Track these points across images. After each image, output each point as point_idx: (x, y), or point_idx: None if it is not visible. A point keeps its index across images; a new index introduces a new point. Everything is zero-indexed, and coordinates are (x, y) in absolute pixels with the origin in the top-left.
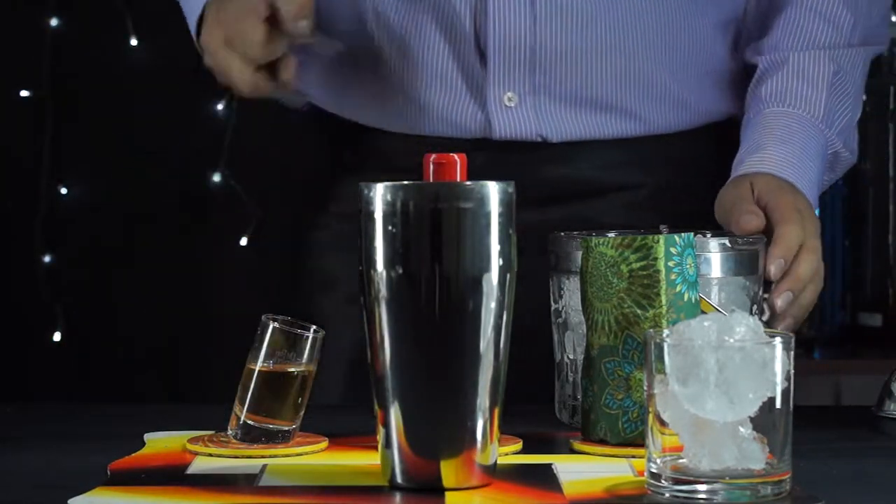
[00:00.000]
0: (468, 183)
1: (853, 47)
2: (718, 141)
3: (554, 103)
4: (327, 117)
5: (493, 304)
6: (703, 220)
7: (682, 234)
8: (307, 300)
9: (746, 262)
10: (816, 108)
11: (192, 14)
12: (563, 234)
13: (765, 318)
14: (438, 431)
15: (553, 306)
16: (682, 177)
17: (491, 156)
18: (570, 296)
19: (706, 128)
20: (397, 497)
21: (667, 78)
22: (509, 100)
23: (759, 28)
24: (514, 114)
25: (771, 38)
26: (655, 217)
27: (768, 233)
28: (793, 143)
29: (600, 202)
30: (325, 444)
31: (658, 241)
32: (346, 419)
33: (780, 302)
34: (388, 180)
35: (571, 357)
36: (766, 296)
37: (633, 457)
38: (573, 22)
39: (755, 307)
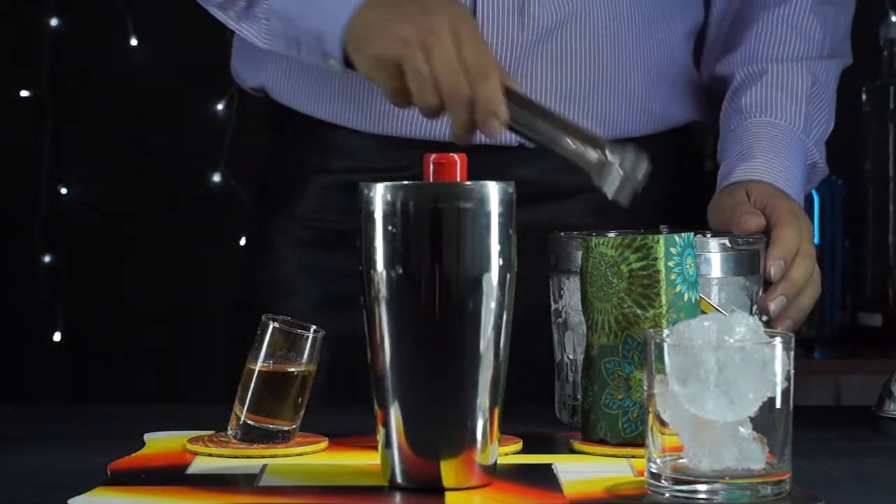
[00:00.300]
0: (468, 183)
1: (825, 59)
2: (679, 145)
3: None
4: (300, 117)
5: (493, 304)
6: (660, 220)
7: (682, 234)
8: (266, 309)
9: (746, 262)
10: (796, 118)
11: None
12: (563, 234)
13: (764, 318)
14: (438, 431)
15: (553, 306)
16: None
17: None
18: (570, 296)
19: (668, 133)
20: (397, 497)
21: (637, 84)
22: None
23: (727, 41)
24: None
25: (745, 50)
26: (621, 219)
27: (766, 236)
28: (780, 153)
29: (569, 203)
30: (325, 444)
31: (658, 241)
32: (346, 419)
33: (773, 306)
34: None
35: (571, 357)
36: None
37: (633, 457)
38: (560, 29)
39: (755, 307)
